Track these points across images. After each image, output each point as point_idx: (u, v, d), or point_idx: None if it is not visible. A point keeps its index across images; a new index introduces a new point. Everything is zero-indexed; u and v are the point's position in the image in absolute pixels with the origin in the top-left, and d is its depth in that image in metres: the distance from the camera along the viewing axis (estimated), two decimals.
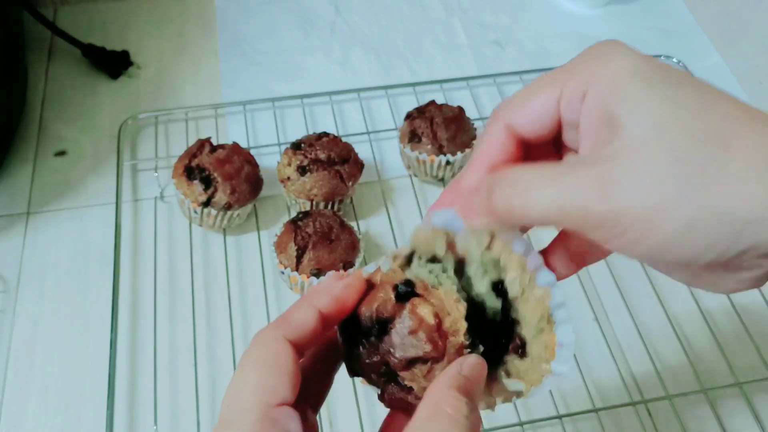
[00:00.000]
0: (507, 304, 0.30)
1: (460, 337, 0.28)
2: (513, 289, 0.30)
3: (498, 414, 0.54)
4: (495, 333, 0.30)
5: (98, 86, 0.76)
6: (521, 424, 0.53)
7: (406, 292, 0.28)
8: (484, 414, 0.52)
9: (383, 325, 0.28)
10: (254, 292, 0.60)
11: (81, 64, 0.78)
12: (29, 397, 0.55)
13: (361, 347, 0.28)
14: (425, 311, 0.28)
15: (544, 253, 0.31)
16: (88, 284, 0.61)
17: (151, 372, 0.55)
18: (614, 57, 0.25)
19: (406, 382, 0.28)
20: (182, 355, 0.57)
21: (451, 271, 0.29)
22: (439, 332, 0.28)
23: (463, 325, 0.28)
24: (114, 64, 0.77)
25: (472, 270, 0.30)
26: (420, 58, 0.82)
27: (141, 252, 0.63)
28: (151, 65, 0.79)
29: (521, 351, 0.30)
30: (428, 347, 0.27)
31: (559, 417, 0.54)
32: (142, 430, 0.53)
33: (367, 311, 0.28)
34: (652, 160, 0.23)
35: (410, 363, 0.28)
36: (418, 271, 0.29)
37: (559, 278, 0.31)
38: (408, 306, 0.28)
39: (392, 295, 0.28)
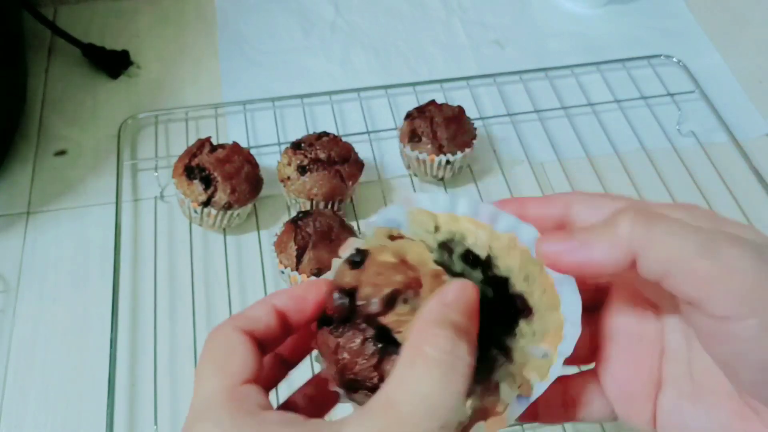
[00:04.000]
0: (491, 275, 0.28)
1: (431, 264, 0.26)
2: (478, 248, 0.28)
3: None
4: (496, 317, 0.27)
5: (98, 86, 0.76)
6: (521, 423, 0.53)
7: (361, 257, 0.27)
8: None
9: (351, 297, 0.26)
10: (254, 292, 0.60)
11: (81, 64, 0.78)
12: (29, 397, 0.55)
13: (336, 336, 0.26)
14: (385, 256, 0.26)
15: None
16: (88, 284, 0.61)
17: (151, 372, 0.55)
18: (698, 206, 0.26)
19: (395, 335, 0.25)
20: (182, 355, 0.56)
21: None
22: (405, 265, 0.26)
23: (429, 256, 0.26)
24: (114, 64, 0.77)
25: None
26: (420, 57, 0.82)
27: (141, 252, 0.63)
28: (151, 65, 0.79)
29: (526, 313, 0.27)
30: (399, 277, 0.26)
31: None
32: (142, 430, 0.53)
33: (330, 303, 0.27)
34: None
35: (389, 304, 0.25)
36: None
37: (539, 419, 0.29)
38: (366, 263, 0.26)
39: (347, 267, 0.27)
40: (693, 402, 0.26)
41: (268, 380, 0.28)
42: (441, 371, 0.23)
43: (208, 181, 0.60)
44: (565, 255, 0.25)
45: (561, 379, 0.28)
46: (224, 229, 0.64)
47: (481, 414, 0.25)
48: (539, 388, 0.26)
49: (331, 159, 0.62)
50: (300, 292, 0.28)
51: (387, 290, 0.25)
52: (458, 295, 0.25)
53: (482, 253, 0.28)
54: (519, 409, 0.26)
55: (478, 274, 0.28)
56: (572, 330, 0.27)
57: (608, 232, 0.24)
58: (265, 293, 0.59)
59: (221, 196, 0.60)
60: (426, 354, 0.23)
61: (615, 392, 0.29)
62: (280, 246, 0.58)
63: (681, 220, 0.24)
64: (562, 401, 0.29)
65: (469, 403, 0.25)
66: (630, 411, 0.28)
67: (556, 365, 0.27)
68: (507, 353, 0.27)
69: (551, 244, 0.26)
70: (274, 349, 0.28)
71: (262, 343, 0.27)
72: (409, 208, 0.29)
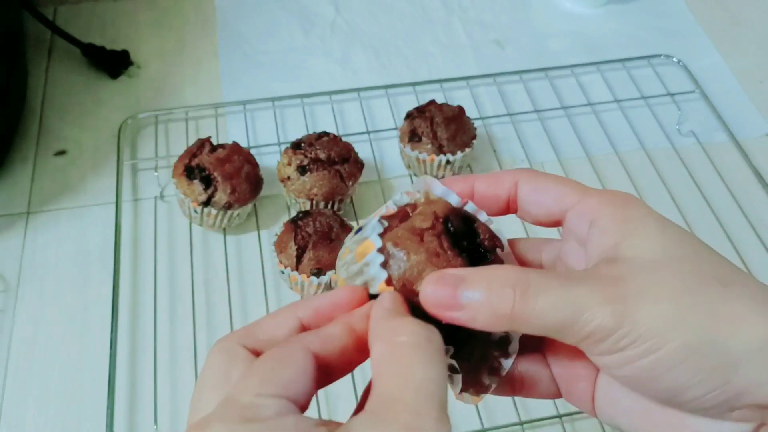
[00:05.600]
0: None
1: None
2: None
3: (498, 414, 0.54)
4: None
5: (98, 86, 0.76)
6: (521, 423, 0.53)
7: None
8: (485, 413, 0.52)
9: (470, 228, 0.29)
10: (254, 292, 0.60)
11: (81, 63, 0.78)
12: (29, 397, 0.55)
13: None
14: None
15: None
16: (88, 284, 0.61)
17: (151, 372, 0.55)
18: (629, 198, 0.28)
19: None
20: (182, 355, 0.56)
21: None
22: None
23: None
24: (114, 63, 0.77)
25: None
26: (420, 57, 0.82)
27: (141, 252, 0.63)
28: (151, 65, 0.79)
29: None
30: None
31: (559, 417, 0.54)
32: (142, 430, 0.53)
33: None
34: (662, 286, 0.25)
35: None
36: None
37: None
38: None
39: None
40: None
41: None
42: (423, 354, 0.23)
43: (208, 181, 0.60)
44: (446, 312, 0.26)
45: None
46: (224, 229, 0.64)
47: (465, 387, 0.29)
48: (507, 365, 0.30)
49: (331, 159, 0.62)
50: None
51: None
52: (392, 298, 0.26)
53: None
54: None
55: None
56: None
57: (491, 306, 0.25)
58: (265, 293, 0.59)
59: (221, 196, 0.60)
60: (401, 343, 0.23)
61: (560, 373, 0.30)
62: (280, 246, 0.58)
63: (560, 274, 0.26)
64: (510, 379, 0.31)
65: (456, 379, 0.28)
66: (573, 390, 0.30)
67: (513, 346, 0.30)
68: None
69: (437, 291, 0.26)
70: (340, 372, 0.27)
71: (328, 369, 0.25)
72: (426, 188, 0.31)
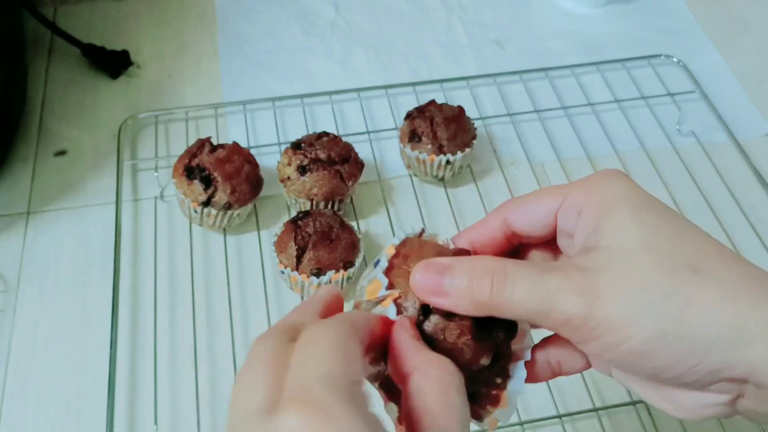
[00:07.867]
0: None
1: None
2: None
3: None
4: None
5: (98, 86, 0.76)
6: (521, 423, 0.53)
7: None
8: None
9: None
10: (254, 292, 0.60)
11: (81, 64, 0.78)
12: (29, 397, 0.55)
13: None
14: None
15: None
16: (88, 284, 0.61)
17: (151, 372, 0.55)
18: (612, 181, 0.29)
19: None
20: (182, 355, 0.56)
21: None
22: None
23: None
24: (114, 64, 0.77)
25: None
26: (420, 57, 0.82)
27: (141, 252, 0.63)
28: (151, 65, 0.79)
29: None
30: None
31: (559, 417, 0.54)
32: (142, 430, 0.53)
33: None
34: (631, 276, 0.26)
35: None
36: None
37: (536, 379, 0.33)
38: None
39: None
40: None
41: None
42: (456, 388, 0.25)
43: (208, 181, 0.60)
44: (432, 297, 0.28)
45: (543, 346, 0.33)
46: (224, 229, 0.64)
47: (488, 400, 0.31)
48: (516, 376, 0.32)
49: (331, 159, 0.62)
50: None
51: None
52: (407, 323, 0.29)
53: None
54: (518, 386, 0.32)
55: None
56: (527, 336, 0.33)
57: (471, 294, 0.28)
58: (265, 293, 0.59)
59: (221, 196, 0.60)
60: (439, 378, 0.26)
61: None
62: (280, 246, 0.58)
63: (538, 265, 0.28)
64: (549, 366, 0.33)
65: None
66: (597, 362, 0.32)
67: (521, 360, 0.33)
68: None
69: (425, 278, 0.29)
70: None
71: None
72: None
